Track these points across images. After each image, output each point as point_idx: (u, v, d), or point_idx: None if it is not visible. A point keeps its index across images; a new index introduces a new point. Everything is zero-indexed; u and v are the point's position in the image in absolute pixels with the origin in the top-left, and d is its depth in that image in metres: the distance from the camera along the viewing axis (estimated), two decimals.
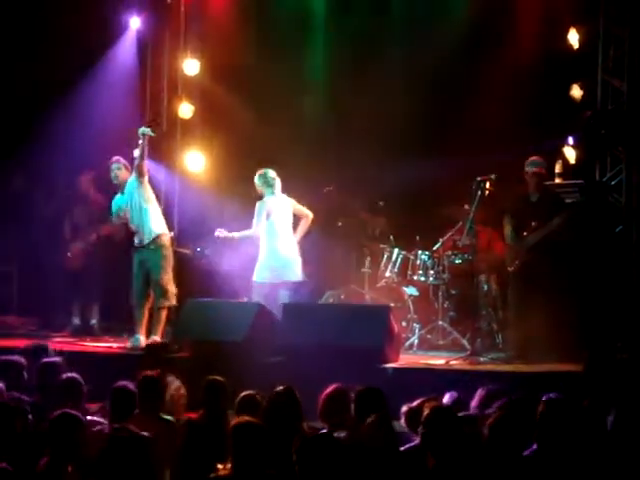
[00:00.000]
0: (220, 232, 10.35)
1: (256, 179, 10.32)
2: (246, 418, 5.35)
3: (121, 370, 7.75)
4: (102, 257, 11.61)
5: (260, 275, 10.27)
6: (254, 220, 10.23)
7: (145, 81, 12.73)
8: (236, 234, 10.34)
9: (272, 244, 10.24)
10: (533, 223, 9.62)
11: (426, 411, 5.39)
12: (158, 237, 10.18)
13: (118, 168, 10.30)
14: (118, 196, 10.37)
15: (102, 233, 11.39)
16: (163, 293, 10.06)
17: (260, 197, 10.34)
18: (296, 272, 10.28)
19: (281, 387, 6.36)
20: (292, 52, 12.25)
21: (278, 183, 10.31)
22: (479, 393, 6.46)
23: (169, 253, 10.28)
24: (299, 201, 10.60)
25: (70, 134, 11.74)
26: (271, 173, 10.29)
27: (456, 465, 5.07)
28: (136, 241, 10.26)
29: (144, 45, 12.65)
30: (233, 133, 12.22)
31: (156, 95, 12.79)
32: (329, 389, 6.39)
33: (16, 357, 7.45)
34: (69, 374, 6.91)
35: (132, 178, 10.22)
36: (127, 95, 12.22)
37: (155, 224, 10.20)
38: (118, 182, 10.30)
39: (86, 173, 11.65)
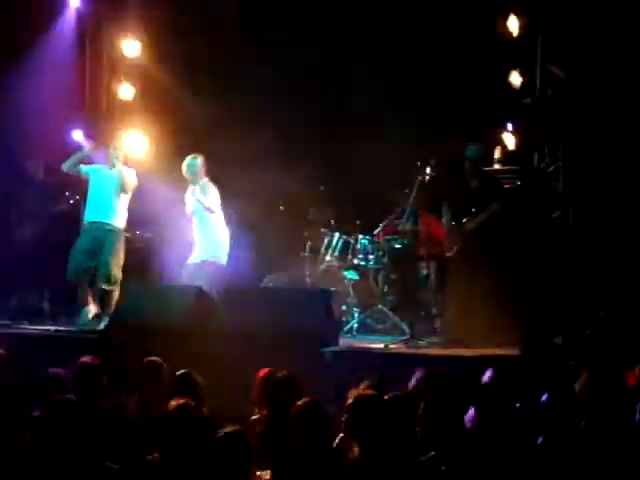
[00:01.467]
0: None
1: (191, 165, 10.29)
2: (181, 401, 5.29)
3: (56, 353, 7.70)
4: (51, 241, 11.46)
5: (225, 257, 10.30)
6: (209, 198, 10.18)
7: (84, 62, 12.60)
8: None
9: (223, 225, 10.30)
10: (473, 209, 9.69)
11: (349, 399, 5.35)
12: (121, 229, 10.36)
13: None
14: (104, 167, 10.40)
15: (55, 213, 11.28)
16: (108, 275, 10.10)
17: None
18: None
19: (181, 371, 6.41)
20: (231, 33, 12.19)
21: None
22: (417, 374, 6.50)
23: (123, 246, 10.37)
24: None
25: (6, 116, 11.55)
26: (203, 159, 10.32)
27: (382, 452, 5.06)
28: (97, 217, 10.27)
29: (84, 25, 12.51)
30: (173, 115, 12.15)
31: (96, 76, 12.69)
32: (262, 373, 6.41)
33: None
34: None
35: (122, 168, 10.33)
36: (66, 76, 12.07)
37: (124, 217, 10.37)
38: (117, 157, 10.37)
39: (33, 157, 11.48)
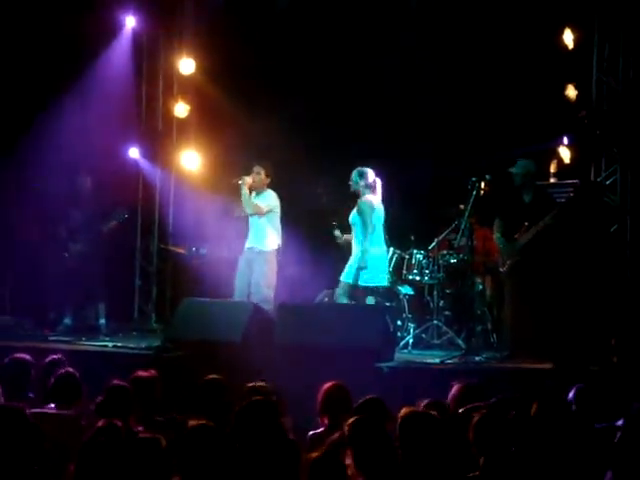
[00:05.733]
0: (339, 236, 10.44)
1: (356, 177, 10.20)
2: (201, 421, 5.23)
3: (114, 369, 7.75)
4: (103, 258, 11.57)
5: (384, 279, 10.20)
6: (365, 219, 10.08)
7: (141, 80, 12.74)
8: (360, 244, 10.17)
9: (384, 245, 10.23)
10: (526, 223, 9.64)
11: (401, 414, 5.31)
12: (270, 251, 10.47)
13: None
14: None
15: (106, 230, 11.38)
16: (260, 296, 10.21)
17: (357, 195, 10.22)
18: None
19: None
20: (289, 50, 12.25)
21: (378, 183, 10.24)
22: (455, 388, 6.45)
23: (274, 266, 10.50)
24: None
25: (65, 134, 11.70)
26: (371, 173, 10.21)
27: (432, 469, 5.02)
28: (250, 243, 10.47)
29: (140, 44, 12.66)
30: (228, 132, 12.22)
31: (152, 94, 12.82)
32: (327, 385, 6.37)
33: (22, 355, 7.42)
34: (66, 369, 6.88)
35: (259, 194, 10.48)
36: (123, 94, 12.20)
37: (273, 238, 10.49)
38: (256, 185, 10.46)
39: (83, 174, 11.62)
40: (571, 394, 6.15)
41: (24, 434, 4.72)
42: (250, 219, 10.53)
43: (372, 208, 10.06)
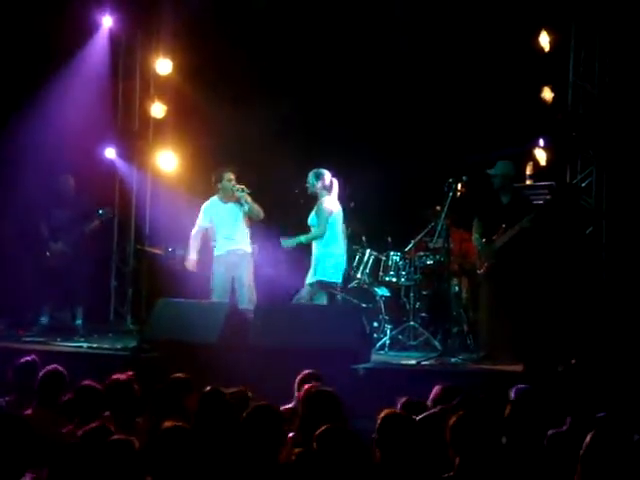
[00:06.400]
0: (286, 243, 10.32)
1: (313, 179, 10.18)
2: (174, 423, 5.15)
3: (89, 370, 7.71)
4: (84, 258, 11.53)
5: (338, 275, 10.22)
6: (320, 223, 10.07)
7: (117, 80, 12.69)
8: (303, 238, 10.19)
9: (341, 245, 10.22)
10: (503, 225, 9.66)
11: (380, 416, 5.31)
12: (250, 252, 10.57)
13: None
14: (219, 201, 10.56)
15: (88, 230, 11.34)
16: (250, 296, 10.25)
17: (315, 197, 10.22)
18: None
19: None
20: (265, 51, 12.24)
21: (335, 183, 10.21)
22: (435, 390, 6.46)
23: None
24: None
25: (40, 133, 11.64)
26: (328, 174, 10.19)
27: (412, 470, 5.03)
28: (229, 245, 10.43)
29: (116, 44, 12.62)
30: (205, 133, 12.20)
31: (128, 95, 12.78)
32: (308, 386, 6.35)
33: None
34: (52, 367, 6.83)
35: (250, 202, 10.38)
36: (99, 94, 12.15)
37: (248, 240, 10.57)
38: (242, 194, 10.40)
39: (65, 174, 11.57)
40: (512, 394, 6.18)
41: (19, 435, 4.67)
42: (228, 221, 10.52)
43: (330, 214, 10.07)
